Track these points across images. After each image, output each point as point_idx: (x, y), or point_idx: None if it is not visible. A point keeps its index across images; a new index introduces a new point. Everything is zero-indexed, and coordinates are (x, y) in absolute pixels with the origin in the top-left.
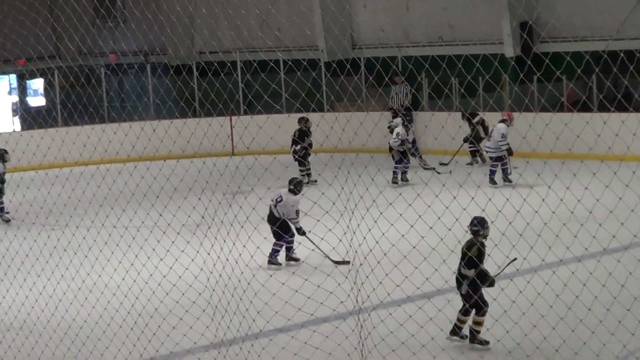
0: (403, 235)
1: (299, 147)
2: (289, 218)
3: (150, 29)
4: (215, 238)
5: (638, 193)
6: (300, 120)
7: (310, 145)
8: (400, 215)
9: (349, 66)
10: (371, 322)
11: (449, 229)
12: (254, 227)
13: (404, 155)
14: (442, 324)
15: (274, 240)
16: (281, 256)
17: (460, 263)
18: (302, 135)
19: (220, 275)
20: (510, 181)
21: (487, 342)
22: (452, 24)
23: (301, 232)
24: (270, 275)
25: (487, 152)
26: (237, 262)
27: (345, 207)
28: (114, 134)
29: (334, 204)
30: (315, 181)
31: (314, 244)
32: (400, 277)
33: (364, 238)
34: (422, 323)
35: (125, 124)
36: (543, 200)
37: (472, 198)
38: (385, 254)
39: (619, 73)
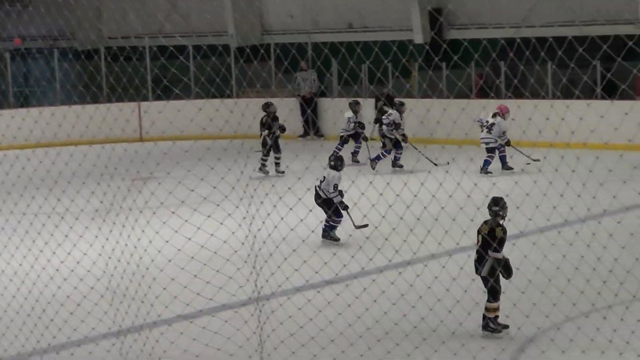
0: (302, 220)
1: (268, 133)
2: (328, 193)
3: (58, 13)
4: (114, 223)
5: (549, 178)
6: (267, 105)
7: (283, 129)
8: (300, 199)
9: (260, 51)
10: (270, 307)
11: (348, 214)
12: (153, 212)
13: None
14: (340, 308)
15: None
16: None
17: (479, 246)
18: (272, 121)
19: (119, 261)
20: (510, 168)
21: (506, 327)
22: (362, 11)
23: (343, 206)
24: (169, 260)
25: (485, 143)
26: (135, 248)
27: (245, 192)
28: (23, 120)
29: (233, 189)
30: (283, 172)
31: (351, 219)
32: (299, 262)
33: (263, 223)
34: (320, 308)
35: (34, 110)
36: (458, 184)
37: (370, 182)
38: (284, 239)
39: (519, 59)
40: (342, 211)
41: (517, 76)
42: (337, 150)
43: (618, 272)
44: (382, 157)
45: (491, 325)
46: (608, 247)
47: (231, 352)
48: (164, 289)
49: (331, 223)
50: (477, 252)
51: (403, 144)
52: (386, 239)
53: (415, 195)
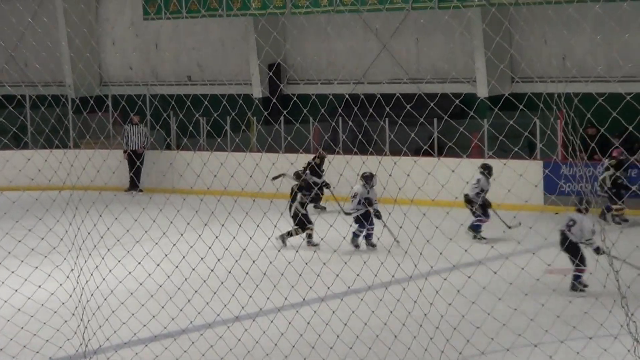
0: (130, 272)
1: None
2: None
3: None
4: None
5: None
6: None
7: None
8: (128, 252)
9: (92, 102)
10: None
11: (176, 267)
12: None
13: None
14: None
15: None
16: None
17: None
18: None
19: None
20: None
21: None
22: (201, 64)
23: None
24: None
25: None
26: None
27: (73, 244)
28: None
29: (61, 239)
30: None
31: (385, 225)
32: (127, 314)
33: (91, 275)
34: None
35: None
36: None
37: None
38: (112, 291)
39: (360, 115)
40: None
41: (361, 132)
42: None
43: (445, 329)
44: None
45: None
46: (434, 304)
47: None
48: None
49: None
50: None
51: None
52: (215, 293)
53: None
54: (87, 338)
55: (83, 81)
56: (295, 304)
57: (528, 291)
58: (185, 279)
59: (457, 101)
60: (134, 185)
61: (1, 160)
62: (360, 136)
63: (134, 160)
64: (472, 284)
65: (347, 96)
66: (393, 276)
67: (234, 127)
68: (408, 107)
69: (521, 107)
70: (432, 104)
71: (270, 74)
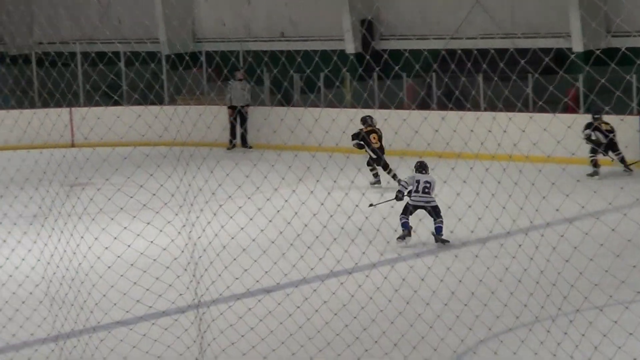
0: (242, 228)
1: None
2: None
3: None
4: (53, 229)
5: (474, 189)
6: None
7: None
8: (240, 208)
9: (187, 58)
10: (210, 315)
11: (288, 222)
12: (92, 218)
13: None
14: (281, 317)
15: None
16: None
17: None
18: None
19: (58, 267)
20: None
21: None
22: (294, 20)
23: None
24: (109, 267)
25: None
26: (74, 254)
27: (184, 200)
28: None
29: (172, 196)
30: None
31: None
32: (240, 270)
33: (203, 231)
34: (261, 317)
35: None
36: (381, 195)
37: (311, 192)
38: (224, 247)
39: (457, 71)
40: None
41: (459, 88)
42: None
43: (561, 285)
44: None
45: None
46: (551, 259)
47: None
48: (104, 295)
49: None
50: None
51: None
52: (327, 249)
53: (357, 205)
54: (199, 293)
55: (176, 38)
56: (391, 259)
57: (619, 252)
58: (298, 235)
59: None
60: (233, 142)
61: (112, 117)
62: (457, 92)
63: (240, 117)
64: (564, 242)
65: (443, 52)
66: (490, 231)
67: (328, 84)
68: (501, 65)
69: (613, 65)
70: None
71: (363, 30)
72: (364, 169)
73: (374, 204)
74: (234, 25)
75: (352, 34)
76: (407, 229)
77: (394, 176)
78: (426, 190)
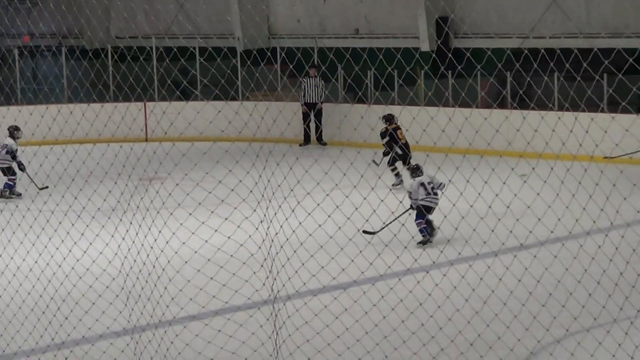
0: (320, 225)
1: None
2: None
3: (68, 11)
4: (131, 223)
5: (555, 189)
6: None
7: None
8: (318, 205)
9: (268, 54)
10: (286, 311)
11: (367, 220)
12: (170, 213)
13: None
14: (357, 314)
15: None
16: None
17: None
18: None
19: (135, 261)
20: None
21: None
22: (369, 17)
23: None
24: (185, 262)
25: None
26: (152, 248)
27: (262, 196)
28: (30, 115)
29: (250, 192)
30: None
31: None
32: (317, 267)
33: (281, 227)
34: (337, 314)
35: (41, 107)
36: (461, 194)
37: (390, 190)
38: (302, 244)
39: (540, 70)
40: None
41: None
42: None
43: (623, 286)
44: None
45: None
46: (631, 261)
47: (246, 356)
48: (180, 290)
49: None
50: None
51: None
52: (405, 247)
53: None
54: (275, 289)
55: (252, 34)
56: (469, 257)
57: None
58: (375, 232)
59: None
60: (308, 139)
61: (192, 112)
62: (539, 91)
63: (314, 114)
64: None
65: (525, 51)
66: (570, 232)
67: (403, 81)
68: (585, 64)
69: None
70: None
71: (446, 28)
72: (444, 167)
73: (371, 231)
74: (308, 21)
75: (428, 32)
76: (427, 233)
77: (398, 174)
78: (434, 189)
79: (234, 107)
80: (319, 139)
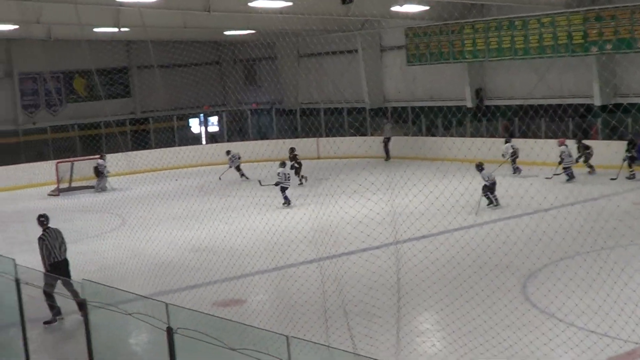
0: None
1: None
2: None
3: (275, 88)
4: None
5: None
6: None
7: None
8: (425, 186)
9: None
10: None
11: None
12: (345, 192)
13: None
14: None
15: None
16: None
17: None
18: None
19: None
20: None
21: None
22: (436, 88)
23: None
24: (347, 223)
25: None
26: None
27: (388, 188)
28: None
29: (375, 187)
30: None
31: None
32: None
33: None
34: (442, 255)
35: (263, 141)
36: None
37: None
38: (421, 202)
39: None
40: None
41: (524, 125)
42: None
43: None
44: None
45: None
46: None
47: (375, 279)
48: (349, 233)
49: None
50: None
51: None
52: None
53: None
54: (397, 237)
55: (374, 99)
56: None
57: None
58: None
59: None
60: (388, 156)
61: (333, 143)
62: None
63: (387, 144)
64: None
65: (525, 105)
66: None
67: (456, 124)
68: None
69: None
70: None
71: (480, 93)
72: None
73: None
74: (404, 92)
75: (470, 96)
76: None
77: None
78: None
79: (364, 139)
80: (388, 157)
